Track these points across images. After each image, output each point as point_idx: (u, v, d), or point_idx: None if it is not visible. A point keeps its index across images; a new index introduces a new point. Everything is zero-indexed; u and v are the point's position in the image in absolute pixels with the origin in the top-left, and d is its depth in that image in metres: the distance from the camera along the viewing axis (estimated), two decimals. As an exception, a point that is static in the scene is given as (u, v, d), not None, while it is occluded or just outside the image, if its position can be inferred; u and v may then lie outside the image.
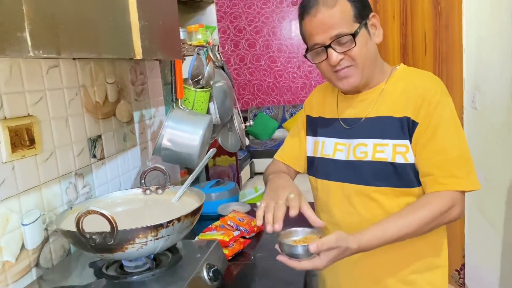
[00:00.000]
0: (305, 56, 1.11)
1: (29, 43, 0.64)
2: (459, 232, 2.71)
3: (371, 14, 1.07)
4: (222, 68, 1.74)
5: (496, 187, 2.05)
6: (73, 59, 1.29)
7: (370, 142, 1.07)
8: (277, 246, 0.98)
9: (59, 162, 1.22)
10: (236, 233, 1.48)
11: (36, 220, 1.11)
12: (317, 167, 1.19)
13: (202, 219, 1.71)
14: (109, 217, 0.90)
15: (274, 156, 1.33)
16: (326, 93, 1.24)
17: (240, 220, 1.54)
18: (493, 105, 2.18)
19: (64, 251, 1.22)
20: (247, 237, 1.50)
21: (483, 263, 2.43)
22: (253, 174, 6.10)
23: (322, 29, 1.02)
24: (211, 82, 1.52)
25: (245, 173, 5.66)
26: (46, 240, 1.15)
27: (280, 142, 6.05)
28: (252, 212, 1.72)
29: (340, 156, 1.13)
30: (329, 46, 1.03)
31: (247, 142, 6.23)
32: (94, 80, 1.39)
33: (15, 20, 0.62)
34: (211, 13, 1.97)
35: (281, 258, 0.95)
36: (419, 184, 1.03)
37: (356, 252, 0.94)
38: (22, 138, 1.07)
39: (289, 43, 6.50)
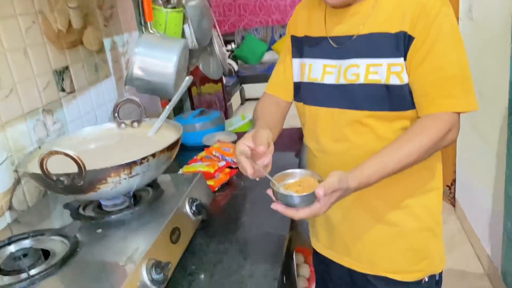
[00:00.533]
0: None
1: None
2: (451, 147, 2.70)
3: None
4: (197, -15, 1.58)
5: (491, 101, 1.98)
6: (24, -19, 1.15)
7: (363, 62, 0.96)
8: (269, 192, 0.84)
9: (22, 98, 1.12)
10: (222, 163, 1.43)
11: (2, 162, 1.04)
12: (305, 92, 1.09)
13: (187, 150, 1.66)
14: (75, 157, 0.82)
15: (265, 89, 1.22)
16: (312, 8, 1.10)
17: (226, 150, 1.48)
18: (491, 14, 2.04)
19: (39, 192, 1.16)
20: (234, 166, 1.45)
21: (474, 178, 2.43)
22: (244, 100, 5.99)
23: None
24: (183, 1, 1.38)
25: (235, 99, 5.56)
26: (17, 182, 1.09)
27: (270, 65, 5.88)
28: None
29: (330, 79, 1.02)
30: None
31: (235, 67, 6.06)
32: (53, 4, 1.25)
33: None
34: None
35: (277, 206, 0.83)
36: (414, 106, 0.95)
37: (356, 190, 0.87)
38: (-27, 74, 0.97)
39: (275, -43, 6.09)
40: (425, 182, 1.04)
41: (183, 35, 1.45)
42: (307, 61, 1.08)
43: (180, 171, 1.41)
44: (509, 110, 1.78)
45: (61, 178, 0.86)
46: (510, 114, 1.77)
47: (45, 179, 0.85)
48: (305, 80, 1.08)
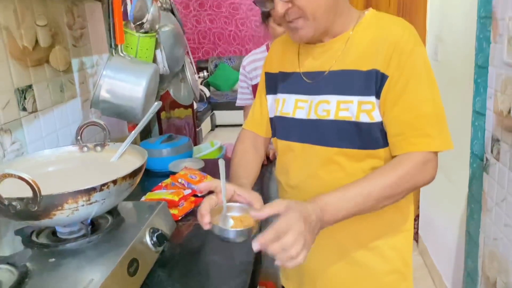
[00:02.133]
0: (254, 3, 0.98)
1: None
2: (415, 184, 2.74)
3: None
4: (172, 11, 1.57)
5: (454, 140, 2.04)
6: (-9, -4, 1.11)
7: (334, 98, 0.96)
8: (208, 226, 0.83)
9: (-21, 116, 1.07)
10: (187, 191, 1.39)
11: (-49, 182, 0.97)
12: (277, 127, 1.09)
13: (152, 175, 1.62)
14: (30, 180, 0.78)
15: (243, 125, 1.22)
16: (286, 44, 1.11)
17: (192, 178, 1.45)
18: (455, 57, 2.13)
19: (-10, 216, 1.09)
20: (200, 195, 1.42)
21: (437, 214, 2.47)
22: (214, 126, 5.98)
23: None
24: (157, 27, 1.37)
25: (205, 125, 5.54)
26: (-33, 204, 1.02)
27: (241, 94, 5.91)
28: (206, 168, 1.63)
29: (301, 114, 1.01)
30: None
31: (207, 93, 6.07)
32: (20, 21, 1.22)
33: None
34: (159, -52, 1.77)
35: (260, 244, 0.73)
36: (385, 145, 0.94)
37: (325, 221, 0.82)
38: None
39: (251, -11, 6.22)
40: (396, 224, 1.03)
41: (154, 60, 1.44)
42: (281, 96, 1.07)
43: (143, 198, 1.37)
44: (471, 150, 1.83)
45: (14, 203, 0.80)
46: (472, 154, 1.82)
47: (-4, 203, 0.80)
48: (278, 114, 1.08)
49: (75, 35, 1.50)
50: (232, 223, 0.85)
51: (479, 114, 1.72)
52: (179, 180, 1.45)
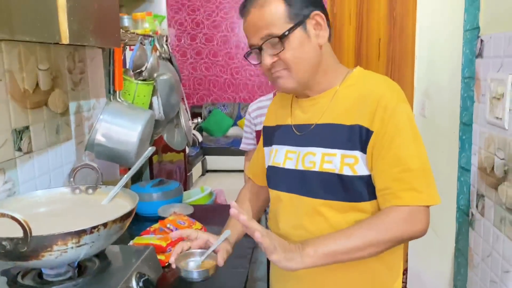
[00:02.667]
0: (245, 57, 1.05)
1: None
2: (404, 237, 2.74)
3: (314, 12, 0.98)
4: (170, 60, 1.64)
5: (441, 195, 2.08)
6: (-2, 40, 1.16)
7: (319, 151, 1.00)
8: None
9: (-25, 155, 1.08)
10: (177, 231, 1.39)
11: None
12: (269, 176, 1.13)
13: (141, 220, 1.62)
14: (21, 220, 0.79)
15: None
16: (283, 99, 1.17)
17: (181, 224, 1.46)
18: (441, 113, 2.20)
19: (-24, 255, 1.08)
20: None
21: (425, 268, 2.46)
22: (205, 171, 5.99)
23: (253, 31, 0.98)
24: (155, 75, 1.42)
25: (196, 170, 5.54)
26: (-46, 242, 1.02)
27: (234, 140, 5.97)
28: (195, 214, 1.63)
29: (290, 165, 1.05)
30: (261, 48, 0.97)
31: (200, 138, 6.11)
32: (23, 65, 1.26)
33: None
34: (161, 1, 1.86)
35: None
36: (369, 198, 0.96)
37: (305, 252, 0.87)
38: None
39: (247, 40, 6.44)
40: (387, 282, 1.04)
41: (151, 106, 1.48)
42: (275, 147, 1.12)
43: (131, 243, 1.36)
44: (457, 205, 1.86)
45: (3, 243, 0.81)
46: (459, 209, 1.85)
47: (-15, 243, 0.80)
48: (270, 163, 1.12)
49: (74, 79, 1.55)
50: (194, 266, 1.03)
51: (464, 169, 1.77)
52: (168, 225, 1.45)
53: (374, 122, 0.94)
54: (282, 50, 0.95)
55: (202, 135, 6.20)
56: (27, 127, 1.29)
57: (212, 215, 1.73)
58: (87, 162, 1.16)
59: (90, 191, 1.17)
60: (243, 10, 1.00)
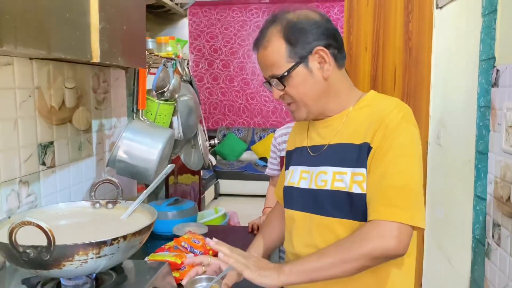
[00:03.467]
0: (264, 85, 1.13)
1: (-35, 30, 0.58)
2: (417, 268, 2.71)
3: (317, 48, 1.00)
4: (190, 83, 1.69)
5: (456, 223, 2.06)
6: (30, 59, 1.22)
7: (330, 170, 1.02)
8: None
9: (2, 167, 1.13)
10: (190, 255, 1.41)
11: (-33, 228, 1.01)
12: (285, 196, 1.16)
13: (156, 238, 1.64)
14: (46, 229, 0.82)
15: None
16: (301, 124, 1.22)
17: (195, 242, 1.47)
18: (457, 142, 2.21)
19: (-3, 264, 1.11)
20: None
21: (439, 299, 2.42)
22: (218, 195, 6.00)
23: (262, 68, 1.07)
24: (176, 96, 1.47)
25: (209, 193, 5.56)
26: (-23, 251, 1.05)
27: (247, 164, 5.99)
28: (209, 234, 1.65)
29: (304, 184, 1.08)
30: (270, 83, 1.06)
31: (213, 161, 6.13)
32: (51, 83, 1.32)
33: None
34: (183, 26, 1.93)
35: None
36: None
37: (282, 270, 0.94)
38: (-40, 137, 0.98)
39: (263, 67, 6.54)
40: None
41: (171, 125, 1.52)
42: (291, 168, 1.15)
43: (146, 259, 1.38)
44: (473, 234, 1.85)
45: (28, 250, 0.84)
46: (474, 239, 1.84)
47: (11, 250, 0.83)
48: (286, 184, 1.14)
49: (98, 98, 1.60)
50: None
51: (480, 198, 1.76)
52: (182, 244, 1.47)
53: (374, 138, 0.96)
54: (284, 88, 1.03)
55: (216, 158, 6.24)
56: (51, 143, 1.33)
57: (225, 235, 1.74)
58: (108, 178, 1.20)
59: (110, 205, 1.20)
60: (254, 49, 1.08)
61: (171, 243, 1.50)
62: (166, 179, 2.34)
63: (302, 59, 1.00)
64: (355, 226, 0.98)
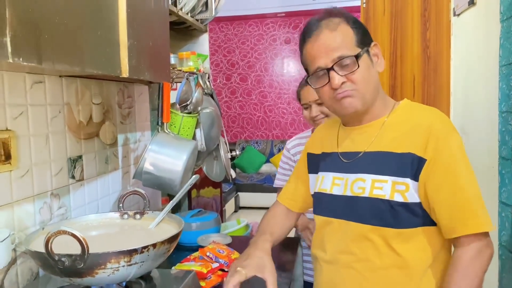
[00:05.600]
0: (306, 81, 1.10)
1: (9, 49, 0.62)
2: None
3: (373, 43, 1.07)
4: (212, 96, 1.73)
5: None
6: (60, 76, 1.27)
7: (369, 177, 1.03)
8: None
9: (35, 181, 1.17)
10: (215, 265, 1.43)
11: (4, 239, 1.05)
12: (316, 202, 1.17)
13: (181, 249, 1.66)
14: (81, 238, 0.85)
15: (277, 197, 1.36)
16: (328, 129, 1.23)
17: (220, 252, 1.49)
18: (480, 148, 2.19)
19: (32, 275, 1.15)
20: (226, 269, 1.44)
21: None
22: (238, 208, 6.01)
23: (325, 52, 1.02)
24: (199, 108, 1.51)
25: (229, 206, 5.58)
26: (13, 261, 1.09)
27: (266, 177, 6.01)
28: (233, 244, 1.67)
29: (337, 191, 1.09)
30: (332, 68, 1.01)
31: (233, 174, 6.16)
32: (79, 99, 1.37)
33: (-4, 25, 0.61)
34: (203, 42, 1.98)
35: None
36: (417, 225, 0.98)
37: None
38: (-2, 152, 1.03)
39: (281, 79, 6.58)
40: None
41: (194, 137, 1.56)
42: (321, 174, 1.16)
43: (173, 269, 1.40)
44: (499, 241, 1.82)
45: (63, 259, 0.87)
46: (501, 246, 1.81)
47: (47, 258, 0.87)
48: (317, 190, 1.15)
49: (123, 113, 1.65)
50: None
51: (505, 204, 1.74)
52: (207, 254, 1.49)
53: (427, 150, 0.97)
54: (356, 69, 1.00)
55: (235, 171, 6.27)
56: (80, 157, 1.38)
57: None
58: (136, 189, 1.23)
59: (138, 216, 1.23)
60: (314, 32, 1.04)
61: (196, 254, 1.52)
62: (189, 192, 2.38)
63: (367, 48, 1.05)
64: (391, 233, 0.99)
